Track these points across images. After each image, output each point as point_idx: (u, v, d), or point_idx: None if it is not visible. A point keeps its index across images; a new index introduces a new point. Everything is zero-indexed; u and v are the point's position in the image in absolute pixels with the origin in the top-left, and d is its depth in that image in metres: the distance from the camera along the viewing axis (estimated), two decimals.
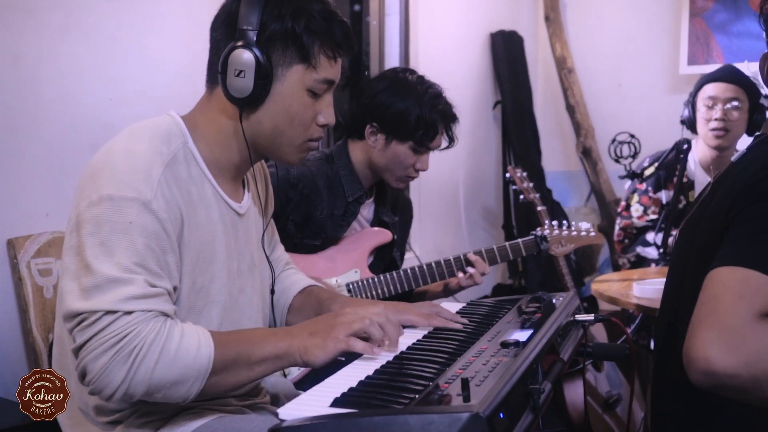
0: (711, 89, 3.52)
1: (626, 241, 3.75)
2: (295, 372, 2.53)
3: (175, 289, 1.54)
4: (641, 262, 3.79)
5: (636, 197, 3.75)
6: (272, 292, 1.86)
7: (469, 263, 2.71)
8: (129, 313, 1.42)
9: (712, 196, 1.64)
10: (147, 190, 1.48)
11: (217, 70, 1.60)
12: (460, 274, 2.71)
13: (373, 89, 2.66)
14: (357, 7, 4.29)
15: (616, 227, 3.83)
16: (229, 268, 1.68)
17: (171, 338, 1.44)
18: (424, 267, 2.69)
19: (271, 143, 1.66)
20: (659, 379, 1.76)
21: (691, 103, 3.61)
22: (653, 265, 3.69)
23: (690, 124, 3.65)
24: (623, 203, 3.81)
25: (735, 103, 3.49)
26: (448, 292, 2.79)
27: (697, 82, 3.63)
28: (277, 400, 1.87)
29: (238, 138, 1.65)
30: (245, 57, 1.56)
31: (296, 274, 2.03)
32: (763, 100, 3.53)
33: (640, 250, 3.77)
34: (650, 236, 3.74)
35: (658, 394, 1.78)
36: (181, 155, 1.59)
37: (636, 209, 3.73)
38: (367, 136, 2.66)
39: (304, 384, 2.35)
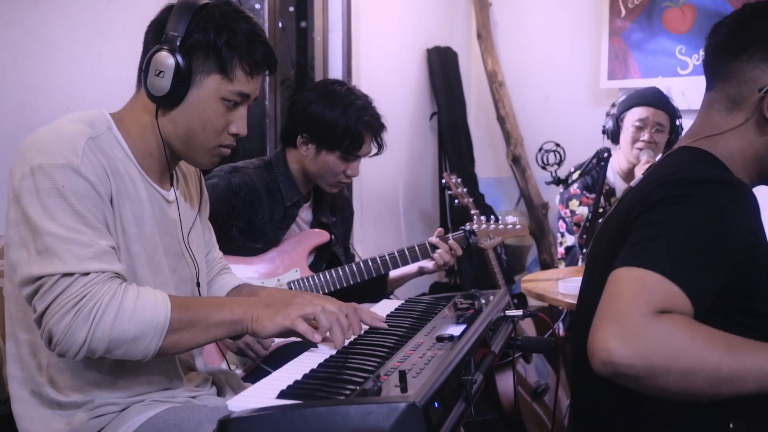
0: (641, 113, 3.57)
1: (584, 236, 3.73)
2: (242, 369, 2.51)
3: (116, 247, 1.54)
4: (568, 251, 3.83)
5: (576, 202, 3.79)
6: (198, 284, 1.85)
7: (435, 247, 2.78)
8: (85, 274, 1.43)
9: (620, 205, 1.68)
10: (73, 156, 1.49)
11: (141, 70, 1.64)
12: (431, 259, 2.80)
13: (304, 101, 2.65)
14: (303, 24, 4.28)
15: (570, 240, 3.82)
16: (164, 245, 1.69)
17: (126, 297, 1.45)
18: (361, 264, 2.70)
19: (184, 144, 1.67)
20: (578, 369, 1.78)
21: (616, 118, 3.66)
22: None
23: (612, 135, 3.70)
24: (564, 219, 3.82)
25: (660, 128, 3.57)
26: (422, 274, 2.90)
27: (625, 100, 3.66)
28: (223, 392, 1.85)
29: (156, 134, 1.66)
30: (166, 59, 1.58)
31: (230, 275, 2.02)
32: (678, 121, 3.62)
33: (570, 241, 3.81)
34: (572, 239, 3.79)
35: (577, 383, 1.81)
36: (104, 138, 1.59)
37: (581, 212, 3.77)
38: (299, 146, 2.66)
39: (252, 377, 2.34)
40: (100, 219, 1.50)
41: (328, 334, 1.57)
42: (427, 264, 2.83)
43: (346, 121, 2.59)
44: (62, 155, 1.48)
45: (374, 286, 2.84)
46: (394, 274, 2.91)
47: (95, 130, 1.58)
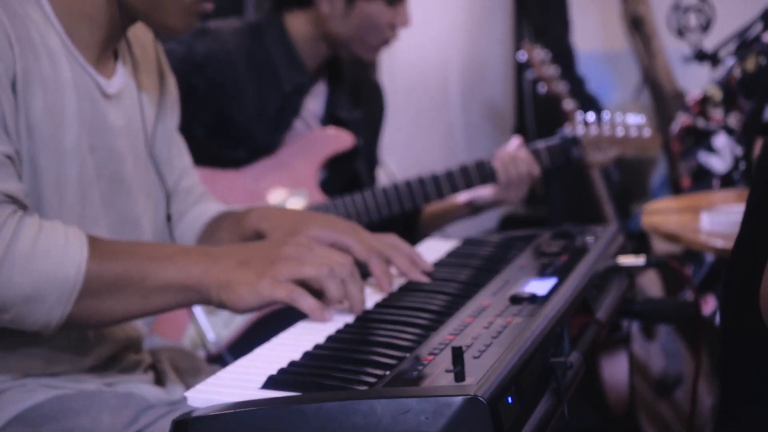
0: None
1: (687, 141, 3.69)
2: (225, 334, 2.53)
3: (15, 156, 1.53)
4: (702, 176, 3.80)
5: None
6: (168, 218, 1.85)
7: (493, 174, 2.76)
8: None
9: None
10: None
11: None
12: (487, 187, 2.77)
13: None
14: None
15: (677, 122, 3.79)
16: (97, 162, 1.67)
17: (20, 235, 1.45)
18: (400, 186, 2.69)
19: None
20: (731, 349, 1.77)
21: None
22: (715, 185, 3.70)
23: None
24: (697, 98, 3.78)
25: None
26: (475, 211, 2.88)
27: None
28: (162, 380, 1.83)
29: None
30: None
31: (209, 202, 2.02)
32: None
33: (703, 158, 3.77)
34: (720, 141, 3.74)
35: (729, 370, 1.79)
36: None
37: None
38: (319, 2, 2.64)
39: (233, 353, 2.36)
40: None
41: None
42: (484, 193, 2.82)
43: None
44: None
45: (400, 225, 2.82)
46: (433, 207, 2.90)
47: None
